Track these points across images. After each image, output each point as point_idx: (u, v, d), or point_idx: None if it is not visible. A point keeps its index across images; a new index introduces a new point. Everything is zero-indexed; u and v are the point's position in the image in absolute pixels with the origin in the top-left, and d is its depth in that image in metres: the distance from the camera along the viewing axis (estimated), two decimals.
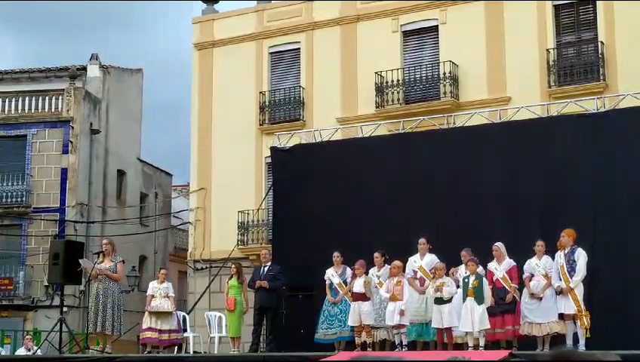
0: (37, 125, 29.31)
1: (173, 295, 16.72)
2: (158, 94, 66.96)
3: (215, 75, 26.73)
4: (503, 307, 13.86)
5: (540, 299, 13.62)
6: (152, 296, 16.36)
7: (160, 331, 16.16)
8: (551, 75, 22.24)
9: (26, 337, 23.20)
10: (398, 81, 23.85)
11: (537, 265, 13.84)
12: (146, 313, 16.36)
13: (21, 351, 21.47)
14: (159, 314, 16.21)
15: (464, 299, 13.61)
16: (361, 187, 17.92)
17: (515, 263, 14.03)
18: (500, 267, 14.05)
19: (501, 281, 13.94)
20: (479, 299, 13.47)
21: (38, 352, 18.43)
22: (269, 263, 16.56)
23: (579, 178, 16.05)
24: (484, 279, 13.69)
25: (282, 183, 19.39)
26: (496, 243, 14.21)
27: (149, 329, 16.22)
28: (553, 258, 13.76)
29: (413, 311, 14.29)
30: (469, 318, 13.47)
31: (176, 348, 16.64)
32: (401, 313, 14.19)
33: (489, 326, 13.57)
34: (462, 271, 14.24)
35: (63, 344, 16.62)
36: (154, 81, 75.68)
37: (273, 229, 20.04)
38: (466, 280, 13.71)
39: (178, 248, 35.10)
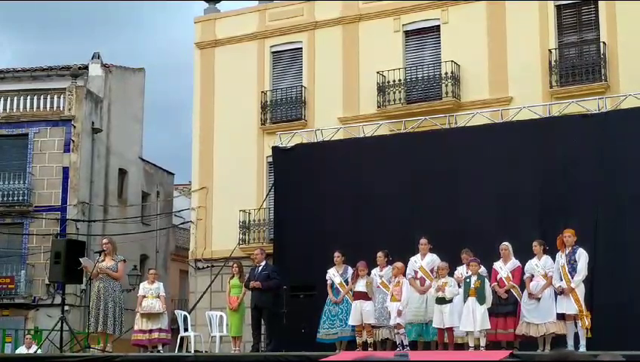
0: (38, 124, 29.32)
1: (164, 295, 16.72)
2: (160, 93, 67.11)
3: (217, 74, 26.70)
4: (506, 308, 13.85)
5: (539, 299, 13.61)
6: (144, 297, 16.34)
7: (150, 331, 16.16)
8: (553, 76, 22.20)
9: (27, 336, 23.21)
10: (399, 80, 23.83)
11: (537, 265, 13.81)
12: (138, 314, 16.36)
13: (22, 350, 21.48)
14: (150, 315, 16.22)
15: (465, 299, 13.61)
16: (363, 187, 17.93)
17: (520, 264, 13.99)
18: (505, 267, 14.04)
19: (505, 281, 13.93)
20: (481, 299, 13.47)
21: (39, 351, 18.43)
22: (262, 262, 16.49)
23: (580, 178, 16.04)
24: (486, 279, 13.69)
25: (283, 183, 19.40)
26: (504, 243, 14.13)
27: (140, 331, 16.23)
28: (553, 258, 13.75)
29: (413, 311, 14.31)
30: (471, 318, 13.46)
31: (160, 346, 16.54)
32: (399, 313, 14.19)
33: (490, 327, 13.58)
34: (460, 271, 14.22)
35: (64, 343, 16.63)
36: (156, 80, 75.86)
37: (274, 229, 20.07)
38: (468, 280, 13.71)
39: (179, 247, 35.10)
